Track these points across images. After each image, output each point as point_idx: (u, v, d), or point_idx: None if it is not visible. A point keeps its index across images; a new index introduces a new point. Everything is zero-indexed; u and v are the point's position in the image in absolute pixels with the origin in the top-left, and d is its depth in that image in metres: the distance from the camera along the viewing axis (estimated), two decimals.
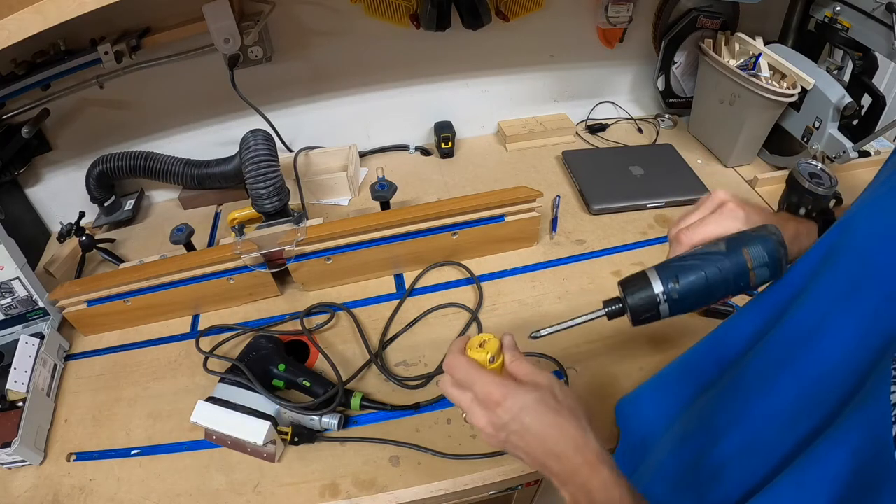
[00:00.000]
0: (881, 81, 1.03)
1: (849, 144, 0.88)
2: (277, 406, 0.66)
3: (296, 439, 0.65)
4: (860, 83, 0.95)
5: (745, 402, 0.40)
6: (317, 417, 0.66)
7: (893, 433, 0.27)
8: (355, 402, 0.68)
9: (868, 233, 0.35)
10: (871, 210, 0.37)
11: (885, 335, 0.31)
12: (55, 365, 0.77)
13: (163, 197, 1.12)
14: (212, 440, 0.66)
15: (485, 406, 0.43)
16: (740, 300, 0.53)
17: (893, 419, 0.27)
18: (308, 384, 0.69)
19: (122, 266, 0.88)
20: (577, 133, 1.19)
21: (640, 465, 0.54)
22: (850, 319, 0.33)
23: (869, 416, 0.29)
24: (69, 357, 0.81)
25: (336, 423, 0.66)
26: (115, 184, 1.04)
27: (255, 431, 0.62)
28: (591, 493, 0.40)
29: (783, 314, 0.40)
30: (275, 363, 0.71)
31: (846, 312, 0.34)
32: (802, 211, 0.83)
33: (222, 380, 0.69)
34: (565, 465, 0.41)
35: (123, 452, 0.68)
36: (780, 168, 1.07)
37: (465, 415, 0.45)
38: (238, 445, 0.65)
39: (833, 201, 0.82)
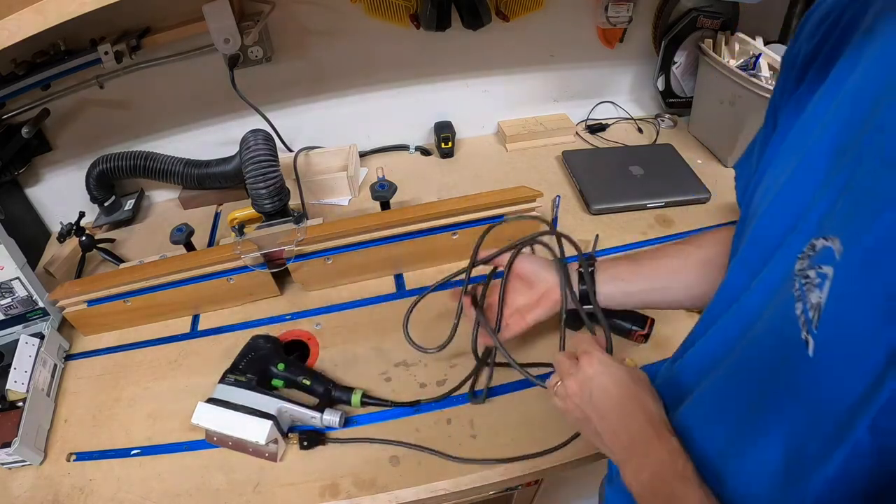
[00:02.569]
0: None
1: None
2: (278, 405, 0.66)
3: (305, 443, 0.65)
4: None
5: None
6: (318, 415, 0.66)
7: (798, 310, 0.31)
8: (356, 398, 0.68)
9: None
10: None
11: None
12: (55, 365, 0.77)
13: (163, 197, 1.12)
14: (212, 442, 0.66)
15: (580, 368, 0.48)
16: None
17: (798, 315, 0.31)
18: (308, 382, 0.69)
19: (122, 266, 0.88)
20: (577, 133, 1.19)
21: None
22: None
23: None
24: (69, 357, 0.81)
25: (338, 419, 0.66)
26: (115, 184, 1.04)
27: (257, 431, 0.62)
28: (659, 462, 0.41)
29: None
30: (273, 362, 0.71)
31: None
32: None
33: (222, 380, 0.69)
34: (636, 433, 0.43)
35: (123, 452, 0.68)
36: None
37: (557, 383, 0.49)
38: (239, 446, 0.65)
39: None
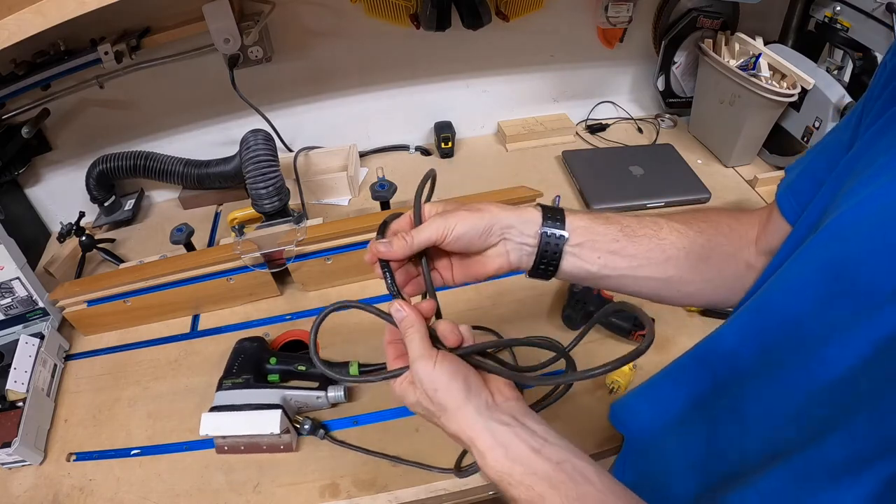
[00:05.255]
0: None
1: None
2: (282, 394, 0.66)
3: (306, 427, 0.66)
4: (860, 83, 0.95)
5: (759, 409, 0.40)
6: (322, 393, 0.67)
7: None
8: (353, 370, 0.70)
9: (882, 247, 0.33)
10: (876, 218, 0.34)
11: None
12: (55, 365, 0.77)
13: (163, 197, 1.12)
14: (224, 451, 0.66)
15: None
16: None
17: None
18: (304, 368, 0.70)
19: (122, 266, 0.88)
20: (577, 133, 1.19)
21: (646, 465, 0.54)
22: (869, 330, 0.32)
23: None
24: (69, 357, 0.81)
25: (342, 394, 0.68)
26: (115, 184, 1.04)
27: (270, 422, 0.62)
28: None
29: (793, 324, 0.38)
30: (265, 359, 0.71)
31: (864, 323, 0.32)
32: None
33: (219, 388, 0.68)
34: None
35: (123, 452, 0.68)
36: (780, 168, 1.07)
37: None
38: (253, 447, 0.65)
39: None
